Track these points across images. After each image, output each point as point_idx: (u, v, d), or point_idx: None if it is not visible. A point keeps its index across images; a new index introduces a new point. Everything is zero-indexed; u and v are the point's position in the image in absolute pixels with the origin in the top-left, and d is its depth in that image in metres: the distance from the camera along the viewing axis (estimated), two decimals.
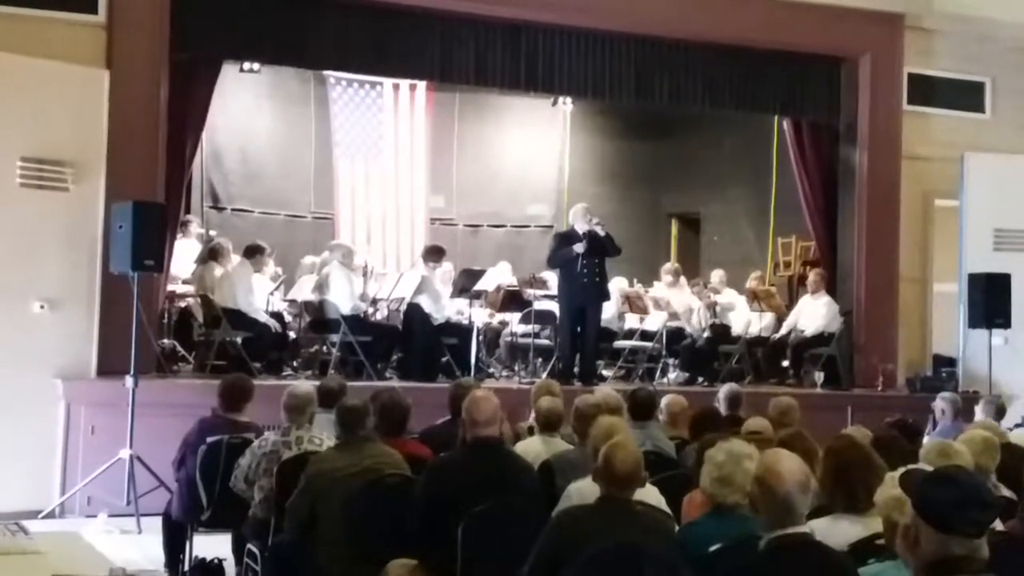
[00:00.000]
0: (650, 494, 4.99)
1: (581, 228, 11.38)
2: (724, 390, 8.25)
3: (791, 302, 13.71)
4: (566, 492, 5.16)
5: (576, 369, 11.37)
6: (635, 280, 13.66)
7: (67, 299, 9.45)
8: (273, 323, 11.17)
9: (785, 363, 12.72)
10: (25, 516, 7.11)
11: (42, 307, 9.30)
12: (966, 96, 13.17)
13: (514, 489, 5.14)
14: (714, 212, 17.15)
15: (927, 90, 12.98)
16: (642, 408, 7.15)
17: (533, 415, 6.84)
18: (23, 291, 9.23)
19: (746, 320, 12.93)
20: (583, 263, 11.27)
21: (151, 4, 10.13)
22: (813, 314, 12.57)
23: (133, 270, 9.05)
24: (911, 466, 4.21)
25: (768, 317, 13.01)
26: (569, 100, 16.40)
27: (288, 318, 12.20)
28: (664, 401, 7.57)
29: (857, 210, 12.82)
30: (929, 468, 4.06)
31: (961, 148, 12.63)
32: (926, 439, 8.00)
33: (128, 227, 9.02)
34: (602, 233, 11.31)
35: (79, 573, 2.98)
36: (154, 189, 9.98)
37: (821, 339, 12.45)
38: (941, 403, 8.77)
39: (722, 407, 7.85)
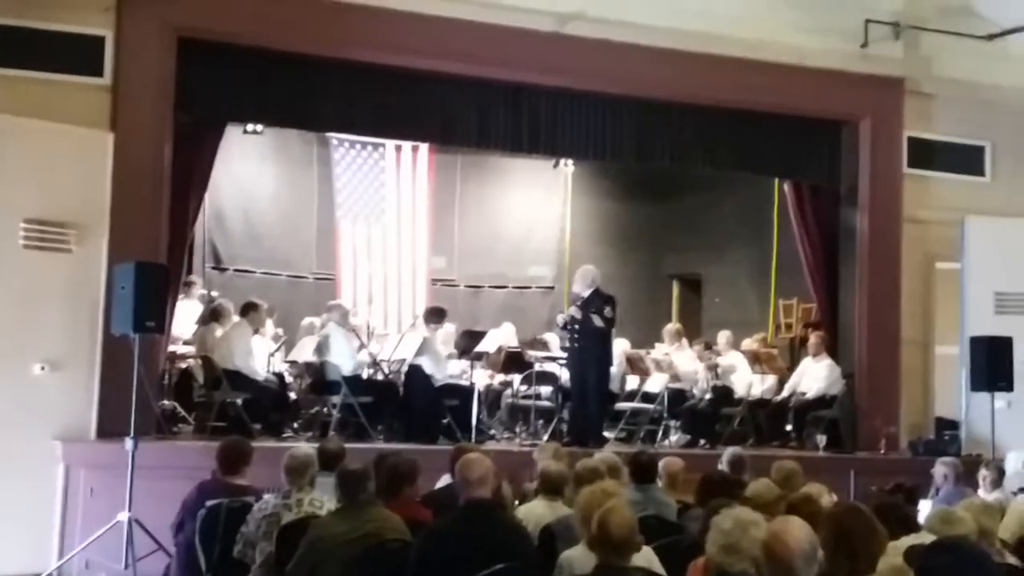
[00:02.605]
0: (645, 557, 4.96)
1: (579, 292, 11.43)
2: (727, 453, 8.20)
3: (792, 364, 13.68)
4: (558, 562, 5.13)
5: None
6: (649, 343, 13.65)
7: (68, 360, 9.43)
8: (272, 379, 11.14)
9: (788, 426, 12.68)
10: None
11: (43, 368, 9.28)
12: (966, 160, 13.22)
13: (506, 552, 5.09)
14: (715, 274, 17.17)
15: (927, 154, 13.03)
16: (644, 471, 7.12)
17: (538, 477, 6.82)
18: (24, 352, 9.21)
19: (748, 382, 12.89)
20: (575, 328, 11.37)
21: (156, 67, 10.19)
22: (815, 376, 12.56)
23: (135, 331, 9.01)
24: (915, 538, 4.19)
25: (770, 379, 12.98)
26: (571, 162, 16.46)
27: (289, 379, 12.18)
28: (661, 464, 7.52)
29: (858, 273, 12.83)
30: (932, 536, 4.05)
31: (961, 211, 12.68)
32: (925, 503, 7.98)
33: (130, 288, 8.99)
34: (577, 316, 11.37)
35: None
36: (156, 250, 9.99)
37: (823, 402, 12.43)
38: (942, 468, 8.71)
39: (726, 470, 7.80)
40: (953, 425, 12.53)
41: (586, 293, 11.44)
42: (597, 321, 11.30)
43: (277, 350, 12.36)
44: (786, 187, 13.63)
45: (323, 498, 6.39)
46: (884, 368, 12.55)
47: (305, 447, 7.05)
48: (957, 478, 8.60)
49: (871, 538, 4.47)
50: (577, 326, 11.37)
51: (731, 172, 13.82)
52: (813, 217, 13.24)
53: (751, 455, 8.69)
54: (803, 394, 12.57)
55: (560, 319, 11.56)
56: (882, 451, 11.92)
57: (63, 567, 8.95)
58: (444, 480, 7.60)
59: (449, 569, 4.95)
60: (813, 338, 12.92)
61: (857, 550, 4.33)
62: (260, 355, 11.60)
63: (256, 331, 11.58)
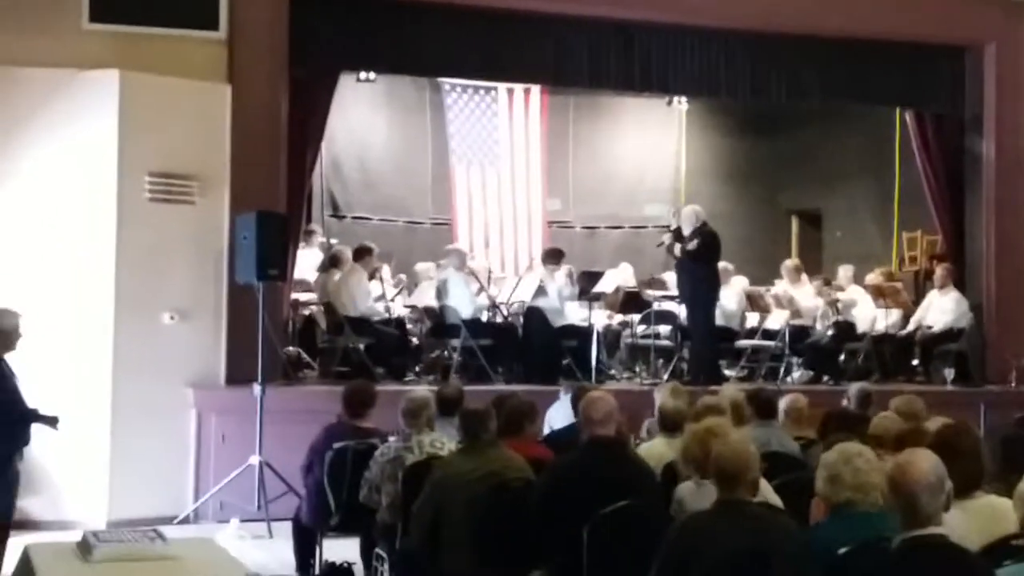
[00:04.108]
0: (762, 492, 4.96)
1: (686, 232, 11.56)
2: (854, 389, 8.13)
3: (918, 298, 13.41)
4: (674, 495, 5.20)
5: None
6: (769, 280, 13.51)
7: (196, 309, 9.66)
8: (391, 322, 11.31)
9: (914, 361, 12.46)
10: (160, 522, 7.29)
11: (172, 318, 9.51)
12: None
13: (631, 488, 5.13)
14: (835, 208, 16.86)
15: None
16: (766, 407, 7.08)
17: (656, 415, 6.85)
18: (154, 302, 9.45)
19: (871, 317, 12.68)
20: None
21: (270, 19, 10.30)
22: (941, 309, 12.29)
23: (258, 280, 9.22)
24: None
25: (895, 314, 12.73)
26: (684, 99, 16.28)
27: (409, 324, 12.33)
28: (784, 401, 7.45)
29: (985, 202, 12.51)
30: None
31: None
32: None
33: (252, 238, 9.20)
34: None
35: None
36: (276, 200, 10.15)
37: (950, 335, 12.17)
38: None
39: (852, 406, 7.71)
40: None
41: (687, 232, 11.42)
42: (676, 251, 11.33)
43: (398, 294, 12.52)
44: (908, 116, 13.31)
45: (443, 439, 6.48)
46: (1014, 299, 12.25)
47: (421, 390, 7.17)
48: None
49: (975, 459, 4.55)
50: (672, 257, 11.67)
51: (850, 104, 13.53)
52: (936, 146, 12.90)
53: (877, 390, 8.58)
54: (929, 328, 12.33)
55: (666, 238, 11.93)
56: (1013, 384, 11.66)
57: (199, 509, 9.26)
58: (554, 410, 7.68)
59: (574, 505, 5.01)
60: (939, 270, 12.63)
61: (958, 470, 4.24)
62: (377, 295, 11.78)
63: (372, 275, 11.72)
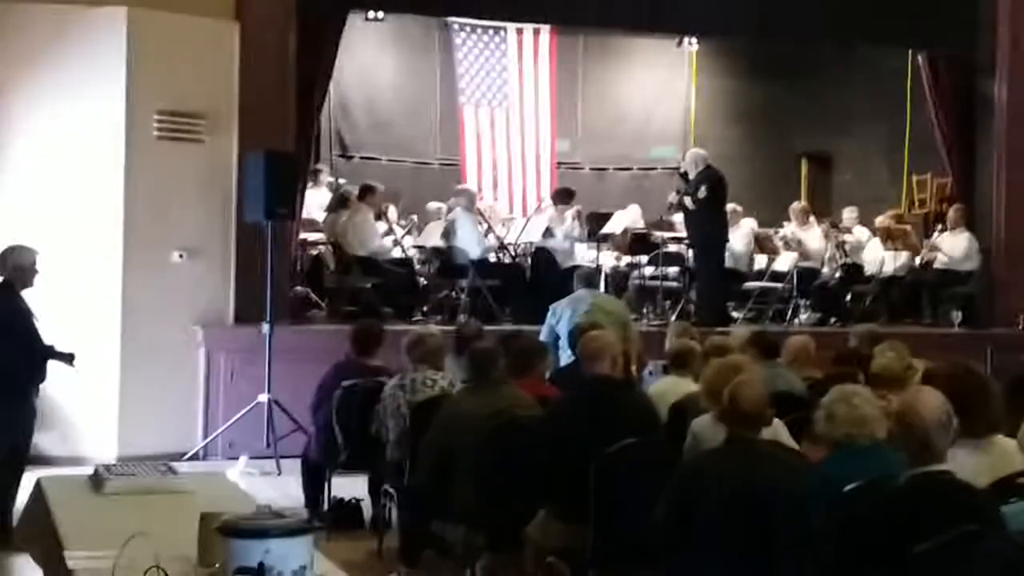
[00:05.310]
0: (774, 430, 4.97)
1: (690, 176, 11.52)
2: (862, 330, 8.13)
3: (927, 240, 13.38)
4: (689, 431, 5.22)
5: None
6: (778, 222, 13.48)
7: (204, 248, 9.67)
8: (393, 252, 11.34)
9: (921, 303, 12.47)
10: (169, 458, 7.32)
11: (181, 256, 9.53)
12: None
13: (631, 427, 5.13)
14: (846, 151, 16.80)
15: None
16: (771, 347, 7.10)
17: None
18: (163, 241, 9.46)
19: (880, 259, 12.67)
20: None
21: None
22: (952, 251, 12.27)
23: (266, 219, 9.22)
24: None
25: (903, 256, 12.72)
26: (694, 40, 16.18)
27: (417, 264, 12.34)
28: (790, 342, 7.47)
29: (996, 146, 12.41)
30: None
31: None
32: None
33: (261, 177, 9.18)
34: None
35: (226, 510, 3.07)
36: (284, 139, 10.09)
37: (959, 277, 12.16)
38: None
39: (862, 348, 7.71)
40: None
41: (692, 176, 11.39)
42: (688, 203, 11.24)
43: (406, 234, 12.52)
44: (920, 59, 13.20)
45: (435, 376, 6.51)
46: (1022, 243, 12.20)
47: (425, 328, 7.22)
48: None
49: (986, 399, 4.53)
50: (682, 211, 11.59)
51: (861, 46, 13.42)
52: (948, 89, 12.81)
53: (884, 332, 8.59)
54: (939, 269, 12.32)
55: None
56: (1020, 327, 11.65)
57: (208, 447, 9.33)
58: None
59: (572, 444, 5.04)
60: (952, 211, 12.58)
61: (972, 411, 4.27)
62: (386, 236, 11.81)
63: (378, 215, 11.70)
